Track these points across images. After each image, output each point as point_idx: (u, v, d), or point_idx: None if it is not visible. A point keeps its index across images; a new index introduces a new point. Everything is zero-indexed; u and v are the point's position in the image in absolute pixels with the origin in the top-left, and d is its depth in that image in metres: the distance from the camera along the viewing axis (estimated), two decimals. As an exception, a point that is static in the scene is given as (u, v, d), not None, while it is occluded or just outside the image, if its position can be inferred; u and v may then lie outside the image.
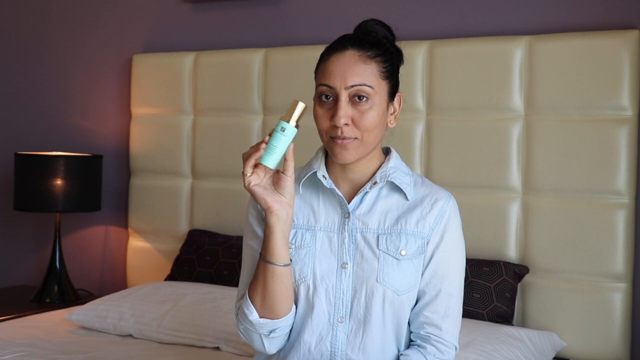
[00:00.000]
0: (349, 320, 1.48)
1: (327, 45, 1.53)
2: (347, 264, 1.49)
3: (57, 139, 3.37)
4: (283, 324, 1.48)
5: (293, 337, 1.52)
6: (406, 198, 1.52)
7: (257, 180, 1.42)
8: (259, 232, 1.55)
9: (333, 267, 1.49)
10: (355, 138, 1.44)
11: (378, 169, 1.54)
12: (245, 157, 1.40)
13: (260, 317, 1.47)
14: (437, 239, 1.51)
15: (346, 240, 1.50)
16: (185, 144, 3.03)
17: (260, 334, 1.48)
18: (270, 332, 1.48)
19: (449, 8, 2.65)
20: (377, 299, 1.47)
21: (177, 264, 2.84)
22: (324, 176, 1.52)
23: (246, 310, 1.47)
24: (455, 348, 1.52)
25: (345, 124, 1.42)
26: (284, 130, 1.39)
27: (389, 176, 1.51)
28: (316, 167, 1.54)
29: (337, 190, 1.51)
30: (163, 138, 3.08)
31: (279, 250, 1.44)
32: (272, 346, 1.51)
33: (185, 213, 3.04)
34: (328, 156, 1.57)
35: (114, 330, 2.43)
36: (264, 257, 1.45)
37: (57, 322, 2.56)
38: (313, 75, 1.52)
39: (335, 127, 1.43)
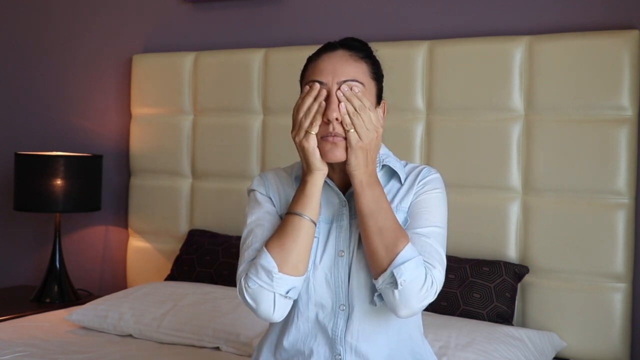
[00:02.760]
0: (349, 306, 1.49)
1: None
2: (343, 251, 1.50)
3: (57, 139, 3.37)
4: (300, 284, 1.47)
5: (296, 324, 1.52)
6: (400, 182, 1.55)
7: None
8: (270, 207, 1.57)
9: (332, 255, 1.51)
10: (344, 137, 1.45)
11: None
12: (308, 114, 1.44)
13: (280, 272, 1.44)
14: (415, 196, 1.53)
15: (344, 228, 1.52)
16: (185, 144, 3.03)
17: (274, 293, 1.44)
18: (288, 290, 1.45)
19: (449, 8, 2.65)
20: (374, 284, 1.47)
21: (177, 264, 2.84)
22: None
23: (265, 264, 1.44)
24: (440, 281, 1.46)
25: (336, 118, 1.43)
26: None
27: (383, 160, 1.55)
28: None
29: (329, 181, 1.53)
30: (163, 138, 3.08)
31: (317, 206, 1.47)
32: (282, 309, 1.46)
33: (185, 213, 3.04)
34: None
35: (114, 330, 2.43)
36: (299, 213, 1.46)
37: (57, 322, 2.56)
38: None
39: (327, 125, 1.44)
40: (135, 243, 3.15)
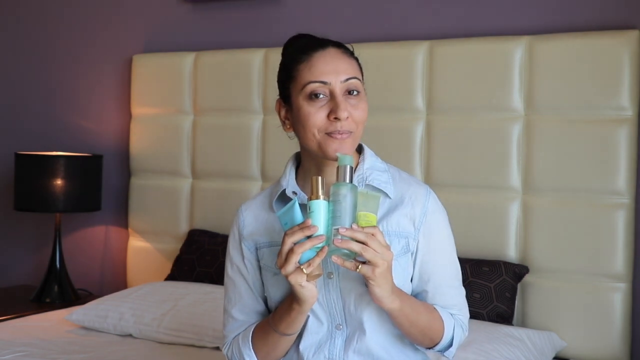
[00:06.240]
0: (346, 326, 1.47)
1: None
2: (332, 273, 1.45)
3: (57, 139, 3.37)
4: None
5: (291, 348, 1.51)
6: (387, 196, 1.48)
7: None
8: (240, 262, 1.55)
9: (321, 278, 1.45)
10: (351, 132, 1.42)
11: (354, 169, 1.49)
12: (298, 250, 1.30)
13: None
14: (425, 241, 1.49)
15: None
16: (185, 144, 3.03)
17: None
18: None
19: (449, 8, 2.65)
20: (368, 303, 1.44)
21: (177, 264, 2.84)
22: (294, 192, 1.48)
23: (247, 359, 1.50)
24: (468, 317, 1.59)
25: (346, 117, 1.40)
26: (311, 210, 1.33)
27: (366, 179, 1.48)
28: (284, 185, 1.50)
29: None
30: (163, 138, 3.08)
31: (302, 322, 1.44)
32: None
33: (185, 213, 3.04)
34: (299, 167, 1.54)
35: (114, 330, 2.43)
36: (282, 332, 1.44)
37: (57, 322, 2.56)
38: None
39: (334, 123, 1.40)
40: (135, 243, 3.15)
